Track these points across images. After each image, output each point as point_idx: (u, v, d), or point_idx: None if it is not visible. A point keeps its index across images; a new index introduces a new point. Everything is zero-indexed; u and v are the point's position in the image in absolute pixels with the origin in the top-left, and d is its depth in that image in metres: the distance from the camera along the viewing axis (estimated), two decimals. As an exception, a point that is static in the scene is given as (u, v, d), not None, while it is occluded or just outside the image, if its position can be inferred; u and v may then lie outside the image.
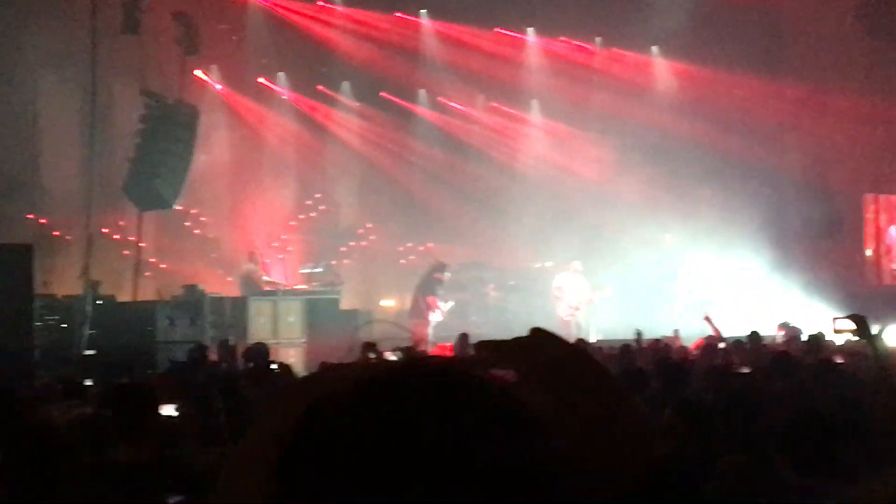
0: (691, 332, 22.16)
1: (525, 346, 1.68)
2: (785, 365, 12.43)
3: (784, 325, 22.83)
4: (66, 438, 7.67)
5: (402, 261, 32.14)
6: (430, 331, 26.45)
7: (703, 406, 7.81)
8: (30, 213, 27.54)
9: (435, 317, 27.22)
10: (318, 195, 32.86)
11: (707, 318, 21.50)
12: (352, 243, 32.85)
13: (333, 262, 29.50)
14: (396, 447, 1.33)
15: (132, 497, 5.92)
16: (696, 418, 7.44)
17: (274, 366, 15.50)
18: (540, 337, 1.70)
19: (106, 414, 8.76)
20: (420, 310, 27.19)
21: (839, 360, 15.90)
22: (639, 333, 18.31)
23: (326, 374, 1.49)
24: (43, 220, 27.91)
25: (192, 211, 30.19)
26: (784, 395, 9.92)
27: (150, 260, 28.66)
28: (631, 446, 1.61)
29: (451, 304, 27.77)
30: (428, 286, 27.62)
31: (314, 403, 1.40)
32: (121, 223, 28.20)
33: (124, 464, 6.55)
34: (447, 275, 27.97)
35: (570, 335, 24.66)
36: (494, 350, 1.68)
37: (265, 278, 27.32)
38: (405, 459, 1.32)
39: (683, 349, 19.32)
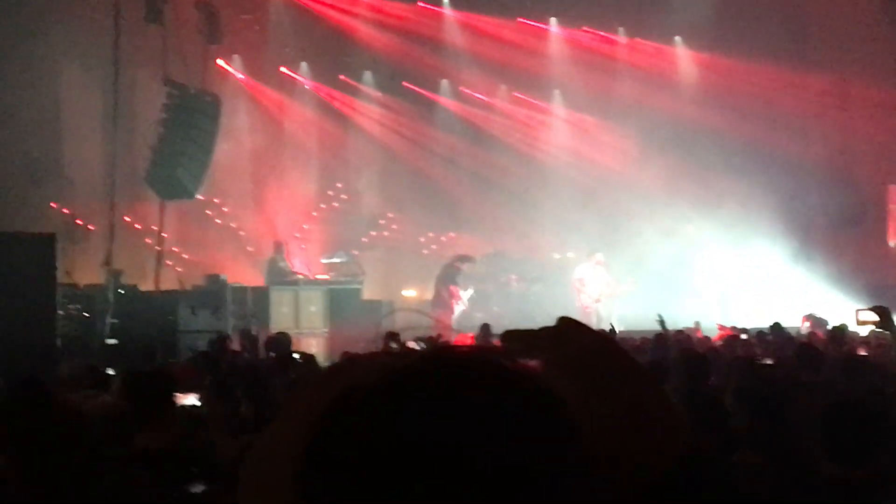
0: (712, 324, 22.13)
1: (552, 336, 1.65)
2: (810, 357, 12.37)
3: (809, 317, 22.75)
4: (89, 427, 7.69)
5: (425, 251, 32.14)
6: (453, 320, 26.48)
7: (719, 400, 7.78)
8: (53, 203, 27.60)
9: (458, 306, 27.26)
10: (339, 185, 32.88)
11: (720, 326, 21.39)
12: (374, 233, 32.86)
13: (355, 252, 29.52)
14: (424, 439, 1.31)
15: (153, 484, 5.91)
16: (712, 412, 7.41)
17: (296, 355, 15.53)
18: (567, 326, 1.68)
19: (126, 403, 8.78)
20: (443, 299, 27.25)
21: (863, 353, 15.86)
22: (661, 320, 18.15)
23: (351, 365, 1.47)
24: (66, 210, 27.98)
25: (215, 200, 30.24)
26: (812, 386, 9.86)
27: (173, 249, 28.71)
28: (663, 437, 1.58)
29: (471, 291, 27.82)
30: (449, 276, 27.68)
31: (340, 395, 1.39)
32: (143, 212, 28.24)
33: (143, 450, 6.55)
34: (468, 265, 28.03)
35: (592, 326, 24.58)
36: (521, 339, 1.65)
37: (289, 268, 27.34)
38: (433, 451, 1.30)
39: (706, 340, 19.27)
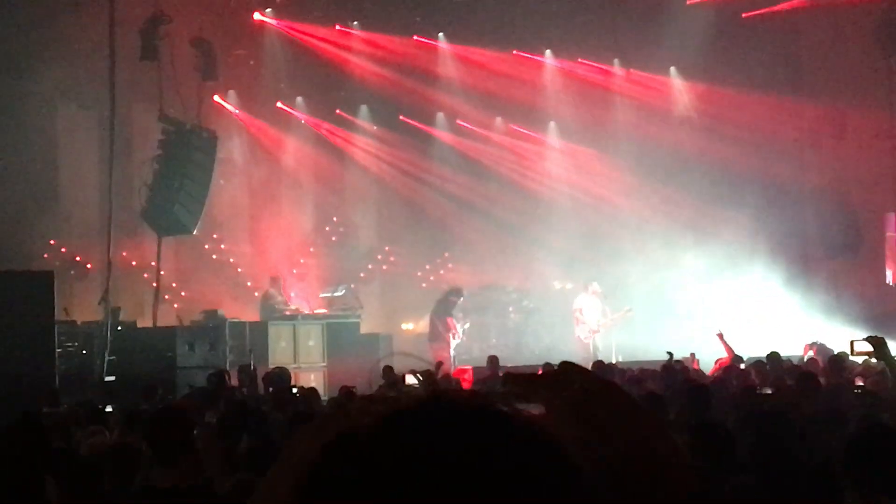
0: (709, 356, 22.10)
1: (553, 379, 1.65)
2: (810, 386, 12.37)
3: (814, 345, 22.69)
4: (95, 465, 7.69)
5: (423, 283, 32.14)
6: (451, 353, 26.49)
7: (722, 429, 7.76)
8: (50, 240, 27.60)
9: (454, 339, 27.26)
10: (336, 219, 32.89)
11: (720, 336, 21.42)
12: (371, 267, 32.86)
13: (353, 286, 29.50)
14: (420, 483, 1.30)
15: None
16: (716, 442, 7.39)
17: (295, 390, 15.52)
18: (568, 369, 1.67)
19: (131, 441, 8.77)
20: (439, 333, 27.27)
21: (859, 383, 15.85)
22: (670, 355, 18.14)
23: (346, 410, 1.47)
24: (63, 248, 27.96)
25: (212, 236, 30.22)
26: (815, 415, 9.85)
27: (170, 285, 28.68)
28: (669, 478, 1.58)
29: (467, 324, 27.85)
30: (445, 309, 27.71)
31: (333, 440, 1.38)
32: (140, 249, 28.24)
33: (166, 489, 6.53)
34: (462, 299, 28.08)
35: (588, 356, 24.64)
36: (521, 383, 1.65)
37: (284, 303, 27.32)
38: (428, 496, 1.30)
39: (700, 373, 19.24)
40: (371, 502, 1.30)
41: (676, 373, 16.63)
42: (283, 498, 1.37)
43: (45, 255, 26.76)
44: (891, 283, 29.95)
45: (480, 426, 1.35)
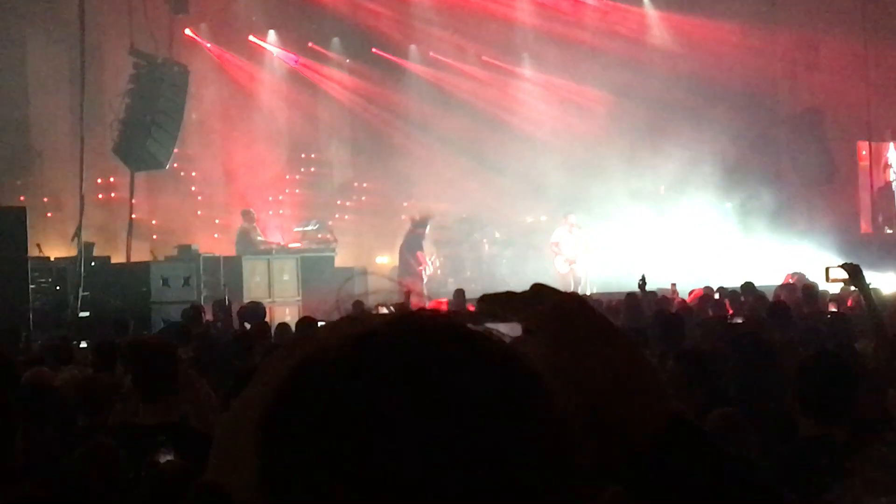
0: (689, 286, 22.17)
1: (529, 299, 1.61)
2: (781, 315, 12.41)
3: (794, 275, 22.78)
4: (64, 400, 7.65)
5: (398, 217, 32.10)
6: (423, 286, 26.50)
7: (705, 356, 7.77)
8: (22, 176, 27.47)
9: (425, 272, 27.31)
10: (311, 153, 32.81)
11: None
12: (346, 201, 32.82)
13: (328, 221, 29.46)
14: (383, 406, 1.27)
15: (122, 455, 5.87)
16: (699, 369, 7.40)
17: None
18: (541, 289, 1.64)
19: (102, 377, 8.73)
20: (410, 266, 27.27)
21: (832, 309, 15.95)
22: (643, 281, 17.91)
23: (314, 333, 1.43)
24: (35, 182, 27.84)
25: (185, 171, 30.10)
26: (788, 345, 9.89)
27: (144, 221, 28.58)
28: (645, 399, 1.54)
29: (434, 258, 27.98)
30: (413, 242, 27.72)
31: (299, 363, 1.35)
32: (113, 184, 28.13)
33: (151, 426, 6.50)
34: (427, 229, 28.09)
35: (568, 289, 24.65)
36: (495, 302, 1.61)
37: (261, 237, 27.30)
38: (396, 418, 1.26)
39: (683, 303, 19.29)
40: (338, 423, 1.27)
41: (639, 302, 16.58)
42: (251, 421, 1.35)
43: (18, 193, 26.64)
44: (862, 231, 30.15)
45: (449, 346, 1.32)
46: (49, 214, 27.03)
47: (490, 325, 1.40)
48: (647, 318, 14.01)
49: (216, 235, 29.07)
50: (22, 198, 25.99)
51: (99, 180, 27.72)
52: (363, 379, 1.29)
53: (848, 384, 5.68)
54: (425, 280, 27.13)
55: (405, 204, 31.86)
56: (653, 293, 19.65)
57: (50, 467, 5.89)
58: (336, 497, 1.26)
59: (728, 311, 17.05)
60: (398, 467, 1.25)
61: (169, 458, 5.79)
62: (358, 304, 1.49)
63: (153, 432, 6.33)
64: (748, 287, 19.08)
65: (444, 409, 1.27)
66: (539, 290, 1.63)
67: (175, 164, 27.26)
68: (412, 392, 1.27)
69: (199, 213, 30.20)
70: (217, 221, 30.10)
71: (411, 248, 27.70)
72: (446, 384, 1.28)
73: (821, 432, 5.53)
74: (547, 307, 1.58)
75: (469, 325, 1.36)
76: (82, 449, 5.75)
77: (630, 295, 17.07)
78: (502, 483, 1.27)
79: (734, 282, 20.58)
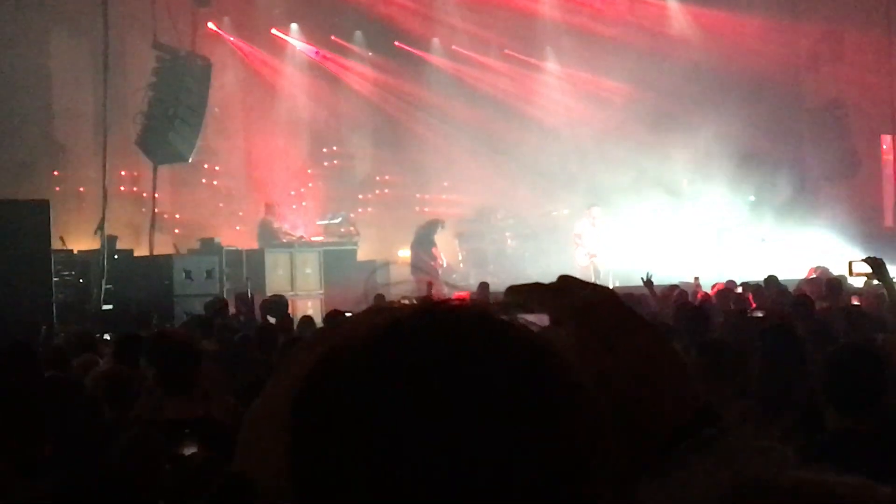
0: (708, 279, 22.13)
1: (557, 291, 1.61)
2: (804, 308, 12.38)
3: (818, 268, 22.72)
4: (89, 393, 7.66)
5: (420, 209, 32.10)
6: (440, 282, 26.51)
7: (728, 348, 7.74)
8: (45, 169, 27.54)
9: (440, 269, 27.37)
10: (333, 146, 32.82)
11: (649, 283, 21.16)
12: (368, 194, 32.83)
13: (350, 214, 29.49)
14: (414, 394, 1.27)
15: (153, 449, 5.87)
16: (724, 361, 7.37)
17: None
18: (569, 281, 1.63)
19: (126, 370, 8.75)
20: (425, 263, 27.24)
21: (856, 303, 15.90)
22: (648, 279, 17.85)
23: (341, 323, 1.43)
24: (58, 174, 27.92)
25: (207, 164, 30.15)
26: (807, 337, 9.85)
27: (166, 214, 28.64)
28: (673, 389, 1.54)
29: (450, 255, 28.16)
30: (426, 240, 27.76)
31: (327, 353, 1.35)
32: (136, 177, 28.18)
33: (177, 421, 6.51)
34: (440, 228, 28.20)
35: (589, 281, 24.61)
36: (522, 294, 1.61)
37: (284, 229, 27.33)
38: (425, 408, 1.26)
39: (706, 296, 19.24)
40: (366, 413, 1.27)
41: (638, 300, 16.49)
42: (278, 411, 1.35)
43: (42, 186, 26.70)
44: (885, 225, 30.05)
45: (478, 336, 1.32)
46: (72, 207, 27.06)
47: (518, 316, 1.39)
48: (654, 314, 13.98)
49: (238, 228, 29.10)
50: (45, 190, 26.06)
51: (122, 173, 27.76)
52: (391, 369, 1.29)
53: (876, 377, 5.64)
54: (439, 277, 27.16)
55: (417, 196, 31.84)
56: (673, 286, 19.64)
57: (77, 460, 5.90)
58: (363, 486, 1.26)
59: (751, 305, 17.01)
60: (425, 458, 1.25)
61: (193, 450, 5.81)
62: (380, 297, 1.49)
63: (178, 427, 6.34)
64: (771, 280, 19.05)
65: (472, 400, 1.27)
66: (567, 282, 1.63)
67: (198, 158, 27.28)
68: (438, 384, 1.27)
69: (221, 206, 30.24)
70: (240, 214, 30.13)
71: (424, 245, 27.74)
72: (474, 375, 1.28)
73: (848, 425, 5.49)
74: (576, 299, 1.58)
75: (499, 317, 1.36)
76: (125, 440, 5.76)
77: (636, 294, 17.02)
78: (530, 475, 1.27)
79: (757, 275, 20.53)
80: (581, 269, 26.55)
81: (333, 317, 13.33)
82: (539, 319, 1.49)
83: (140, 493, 5.37)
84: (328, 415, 1.29)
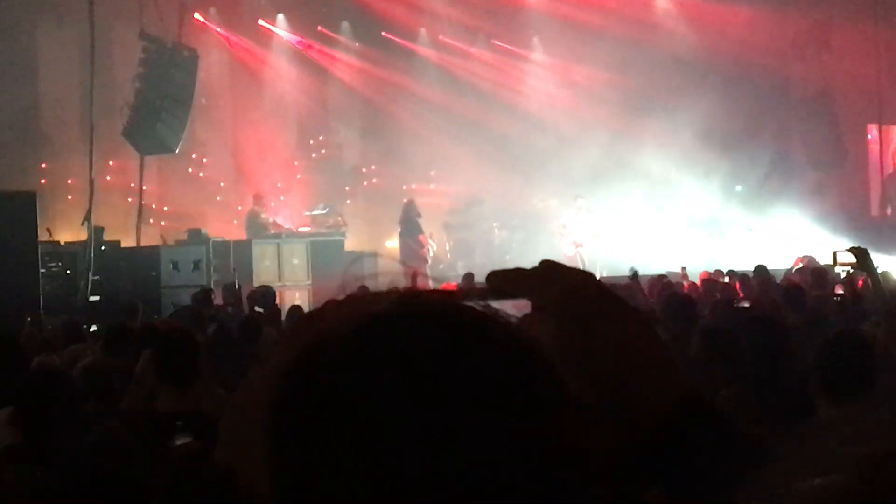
0: (695, 268, 22.18)
1: (537, 276, 1.60)
2: (796, 298, 12.39)
3: (804, 258, 22.74)
4: (74, 385, 7.64)
5: (405, 200, 32.08)
6: (427, 269, 26.52)
7: (724, 335, 7.75)
8: (31, 160, 27.49)
9: (429, 254, 27.35)
10: (320, 137, 32.79)
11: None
12: (355, 185, 32.81)
13: (337, 205, 29.47)
14: (391, 389, 1.27)
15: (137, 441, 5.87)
16: (719, 347, 7.38)
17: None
18: (552, 267, 1.62)
19: (113, 362, 8.73)
20: (412, 250, 27.22)
21: (839, 292, 15.93)
22: (634, 272, 17.88)
23: (321, 315, 1.43)
24: (44, 166, 27.87)
25: (194, 155, 30.09)
26: (798, 327, 9.87)
27: (153, 205, 28.61)
28: (659, 377, 1.53)
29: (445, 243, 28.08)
30: (413, 226, 27.71)
31: (308, 345, 1.35)
32: (123, 168, 28.12)
33: (170, 413, 6.51)
34: (417, 209, 28.16)
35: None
36: (505, 279, 1.60)
37: (271, 221, 27.33)
38: (401, 403, 1.26)
39: (693, 286, 19.27)
40: (344, 406, 1.27)
41: (634, 292, 16.52)
42: (259, 401, 1.35)
43: (28, 177, 26.66)
44: (871, 214, 30.09)
45: (454, 329, 1.32)
46: (59, 199, 27.02)
47: (498, 303, 1.39)
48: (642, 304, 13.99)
49: (227, 220, 29.06)
50: (32, 182, 26.02)
51: (109, 164, 27.71)
52: (368, 363, 1.29)
53: (868, 364, 5.65)
54: (429, 262, 27.18)
55: (403, 187, 31.80)
56: (660, 276, 19.67)
57: (56, 451, 5.89)
58: (342, 479, 1.26)
59: (739, 294, 17.04)
60: (402, 452, 1.25)
61: (186, 440, 5.81)
62: (363, 288, 1.49)
63: (172, 419, 6.34)
64: (761, 270, 19.07)
65: (448, 396, 1.26)
66: (550, 268, 1.62)
67: (185, 149, 27.24)
68: (417, 377, 1.27)
69: (208, 197, 30.19)
70: (227, 205, 30.10)
71: (412, 232, 27.70)
72: (451, 371, 1.28)
73: (840, 412, 5.49)
74: (559, 285, 1.57)
75: (478, 308, 1.36)
76: (92, 435, 5.75)
77: (626, 285, 17.01)
78: (510, 473, 1.26)
79: (743, 265, 20.56)
80: (567, 258, 26.57)
81: (296, 311, 13.37)
82: (519, 305, 1.49)
83: (117, 487, 5.36)
84: (305, 406, 1.29)
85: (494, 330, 1.33)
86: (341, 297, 1.44)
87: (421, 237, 27.54)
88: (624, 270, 22.51)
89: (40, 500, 5.00)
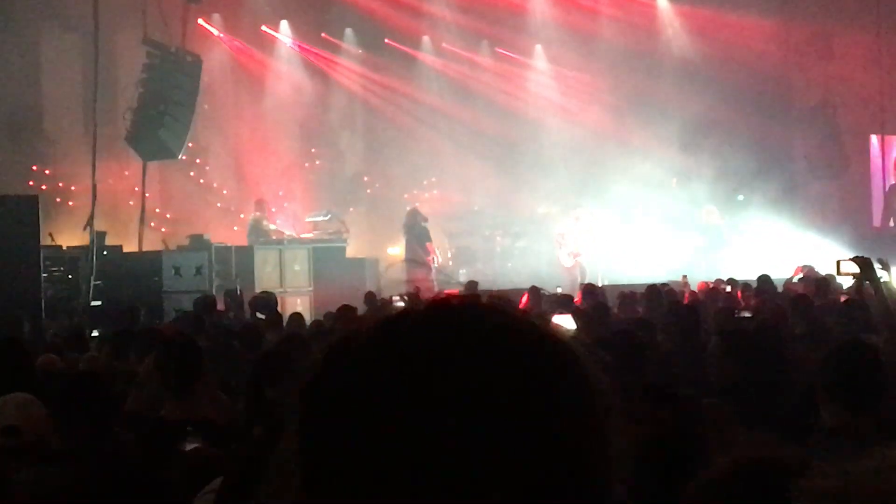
0: (695, 277, 22.19)
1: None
2: (803, 308, 12.40)
3: (804, 267, 22.73)
4: (110, 387, 7.65)
5: (408, 207, 32.08)
6: (432, 277, 26.52)
7: (749, 336, 7.76)
8: (34, 165, 27.51)
9: (434, 262, 27.35)
10: (323, 144, 32.79)
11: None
12: (358, 192, 32.80)
13: (339, 211, 29.46)
14: (411, 384, 1.29)
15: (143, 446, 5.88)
16: (743, 348, 7.41)
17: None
18: None
19: (119, 366, 8.73)
20: (419, 257, 27.22)
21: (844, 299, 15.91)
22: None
23: (353, 318, 1.45)
24: (47, 171, 27.87)
25: (197, 160, 30.11)
26: (805, 335, 9.88)
27: (156, 210, 28.61)
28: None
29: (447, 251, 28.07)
30: (421, 233, 27.70)
31: (333, 344, 1.37)
32: (125, 174, 28.12)
33: (178, 422, 6.50)
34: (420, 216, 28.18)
35: (575, 281, 24.69)
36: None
37: (273, 227, 27.34)
38: (422, 397, 1.27)
39: (694, 295, 19.27)
40: (367, 406, 1.28)
41: (661, 295, 16.62)
42: (294, 406, 1.37)
43: (30, 182, 26.71)
44: (873, 224, 30.09)
45: (480, 326, 1.33)
46: (61, 203, 27.04)
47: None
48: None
49: (229, 225, 29.07)
50: (34, 186, 26.05)
51: (112, 169, 27.71)
52: (389, 363, 1.30)
53: (876, 373, 5.62)
54: (434, 271, 27.16)
55: (405, 195, 31.79)
56: (663, 284, 19.67)
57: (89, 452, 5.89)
58: (366, 468, 1.27)
59: (741, 304, 17.04)
60: (422, 445, 1.26)
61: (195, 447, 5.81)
62: (370, 296, 1.52)
63: (180, 424, 6.34)
64: (764, 279, 19.05)
65: (470, 394, 1.28)
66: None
67: (187, 155, 27.26)
68: (435, 376, 1.28)
69: (210, 202, 30.20)
70: (229, 211, 30.10)
71: (420, 239, 27.68)
72: (477, 368, 1.29)
73: (847, 422, 5.47)
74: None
75: (501, 308, 1.37)
76: (101, 446, 5.75)
77: (650, 287, 17.08)
78: (528, 470, 1.27)
79: (744, 274, 20.56)
80: (565, 270, 26.59)
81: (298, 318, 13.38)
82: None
83: (137, 490, 5.37)
84: (333, 398, 1.31)
85: (520, 328, 1.35)
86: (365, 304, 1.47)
87: (429, 244, 27.53)
88: (624, 279, 22.63)
89: (55, 500, 5.00)
